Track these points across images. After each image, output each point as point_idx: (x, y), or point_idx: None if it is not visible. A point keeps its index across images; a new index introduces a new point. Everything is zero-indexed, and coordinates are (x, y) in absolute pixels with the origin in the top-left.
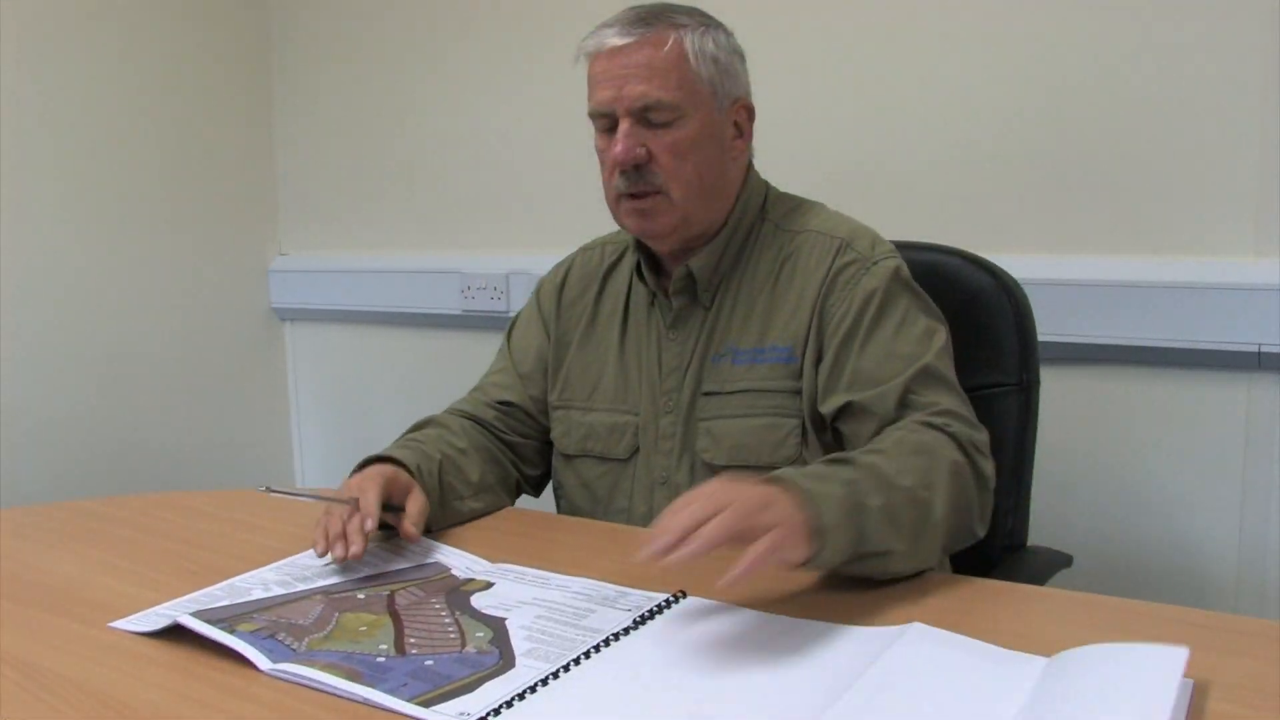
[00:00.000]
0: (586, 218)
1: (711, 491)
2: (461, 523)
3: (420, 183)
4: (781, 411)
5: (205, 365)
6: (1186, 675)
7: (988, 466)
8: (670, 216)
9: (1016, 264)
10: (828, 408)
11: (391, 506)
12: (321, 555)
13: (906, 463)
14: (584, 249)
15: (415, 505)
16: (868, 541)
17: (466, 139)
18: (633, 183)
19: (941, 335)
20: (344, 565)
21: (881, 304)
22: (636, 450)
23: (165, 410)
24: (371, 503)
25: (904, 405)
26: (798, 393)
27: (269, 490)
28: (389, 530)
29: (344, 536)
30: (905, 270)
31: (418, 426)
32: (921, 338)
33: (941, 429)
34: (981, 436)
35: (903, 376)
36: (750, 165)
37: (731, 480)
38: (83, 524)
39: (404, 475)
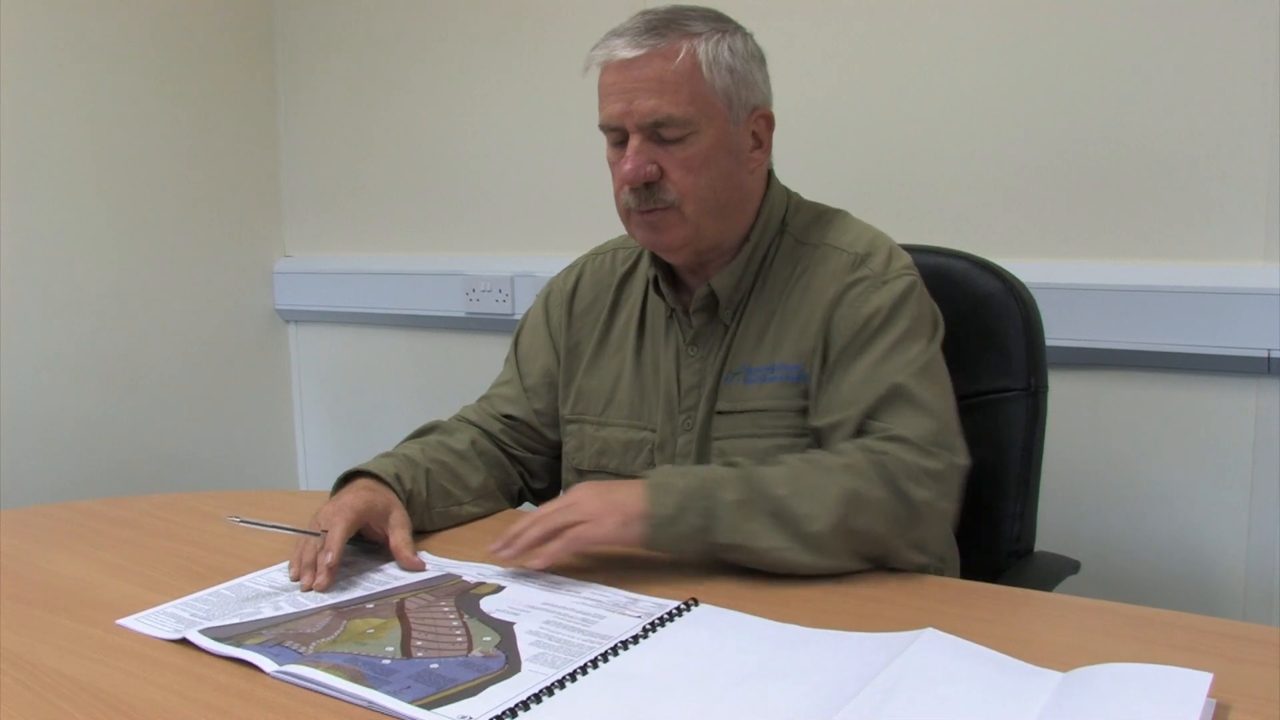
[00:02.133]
0: (592, 220)
1: (558, 500)
2: (460, 525)
3: (425, 185)
4: (792, 431)
5: (209, 367)
6: (1208, 695)
7: (921, 493)
8: (682, 230)
9: (1025, 268)
10: (810, 426)
11: (364, 539)
12: (294, 580)
13: (802, 478)
14: (595, 253)
15: (399, 535)
16: (724, 531)
17: (471, 141)
18: (643, 200)
19: (932, 354)
20: (355, 582)
21: (881, 325)
22: (653, 469)
23: (169, 412)
24: (335, 540)
25: (861, 432)
26: (806, 411)
27: (240, 521)
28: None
29: (314, 566)
30: (918, 288)
31: (424, 430)
32: (910, 363)
33: (875, 453)
34: (930, 464)
35: (867, 403)
36: (771, 175)
37: (588, 485)
38: (87, 525)
39: (380, 500)
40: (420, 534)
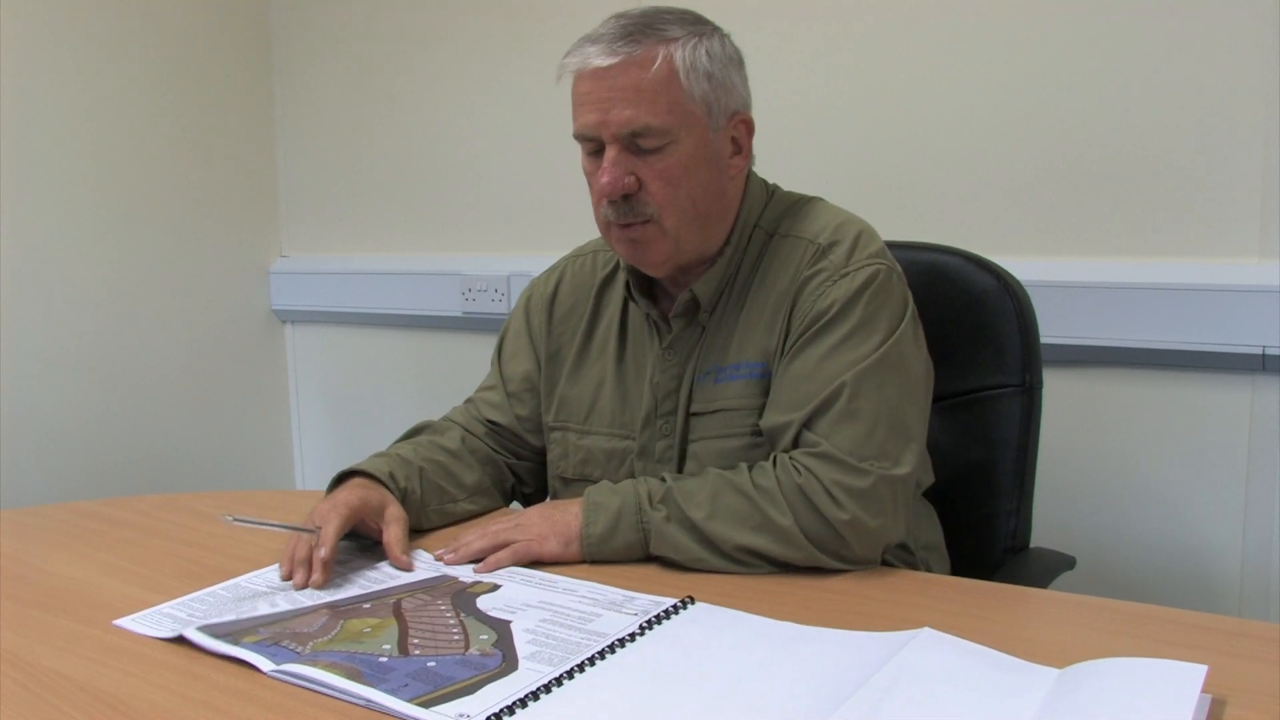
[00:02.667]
0: (587, 219)
1: (509, 517)
2: (456, 522)
3: (421, 185)
4: (759, 429)
5: (206, 367)
6: (1204, 689)
7: (841, 515)
8: (663, 245)
9: (1020, 266)
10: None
11: (358, 536)
12: (285, 579)
13: (719, 500)
14: (574, 255)
15: (393, 531)
16: (654, 543)
17: (467, 141)
18: (622, 213)
19: (887, 350)
20: (351, 580)
21: (833, 318)
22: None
23: (166, 412)
24: (330, 535)
25: (797, 443)
26: None
27: (235, 520)
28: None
29: (308, 563)
30: (881, 278)
31: (414, 431)
32: (857, 361)
33: (799, 472)
34: (855, 482)
35: (808, 408)
36: (750, 177)
37: (536, 507)
38: (84, 525)
39: (375, 496)
40: (416, 532)
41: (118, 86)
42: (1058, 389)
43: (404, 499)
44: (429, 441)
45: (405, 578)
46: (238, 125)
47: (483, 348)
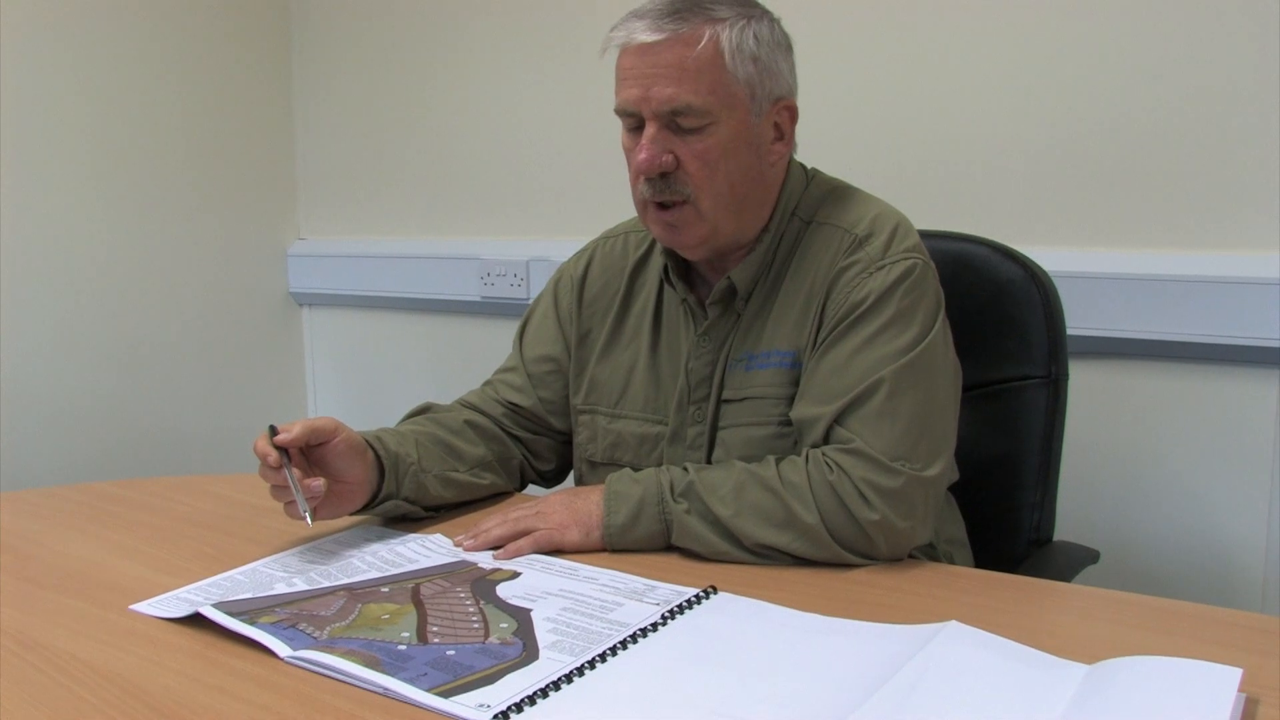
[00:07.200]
0: (609, 204)
1: (529, 504)
2: (470, 501)
3: (440, 168)
4: (787, 419)
5: (223, 350)
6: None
7: (871, 515)
8: (699, 228)
9: (1046, 256)
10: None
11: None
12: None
13: (743, 496)
14: (606, 237)
15: (303, 426)
16: (676, 535)
17: (487, 124)
18: (658, 191)
19: (923, 346)
20: (367, 563)
21: (868, 310)
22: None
23: (182, 394)
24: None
25: (828, 438)
26: None
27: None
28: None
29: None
30: (917, 272)
31: (416, 411)
32: (892, 356)
33: (830, 469)
34: (886, 482)
35: (840, 402)
36: (790, 163)
37: (557, 495)
38: (100, 507)
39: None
40: (433, 517)
41: (136, 68)
42: (1082, 381)
43: (396, 464)
44: (428, 419)
45: (423, 561)
46: (256, 107)
47: (502, 333)
